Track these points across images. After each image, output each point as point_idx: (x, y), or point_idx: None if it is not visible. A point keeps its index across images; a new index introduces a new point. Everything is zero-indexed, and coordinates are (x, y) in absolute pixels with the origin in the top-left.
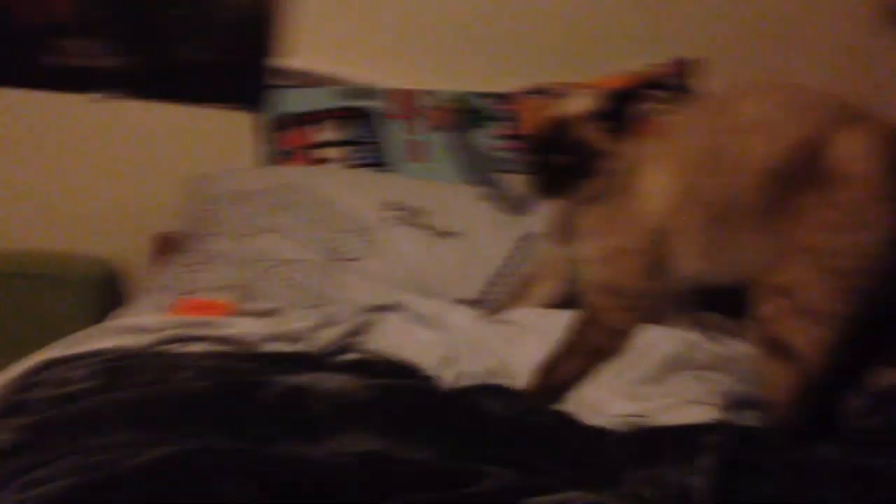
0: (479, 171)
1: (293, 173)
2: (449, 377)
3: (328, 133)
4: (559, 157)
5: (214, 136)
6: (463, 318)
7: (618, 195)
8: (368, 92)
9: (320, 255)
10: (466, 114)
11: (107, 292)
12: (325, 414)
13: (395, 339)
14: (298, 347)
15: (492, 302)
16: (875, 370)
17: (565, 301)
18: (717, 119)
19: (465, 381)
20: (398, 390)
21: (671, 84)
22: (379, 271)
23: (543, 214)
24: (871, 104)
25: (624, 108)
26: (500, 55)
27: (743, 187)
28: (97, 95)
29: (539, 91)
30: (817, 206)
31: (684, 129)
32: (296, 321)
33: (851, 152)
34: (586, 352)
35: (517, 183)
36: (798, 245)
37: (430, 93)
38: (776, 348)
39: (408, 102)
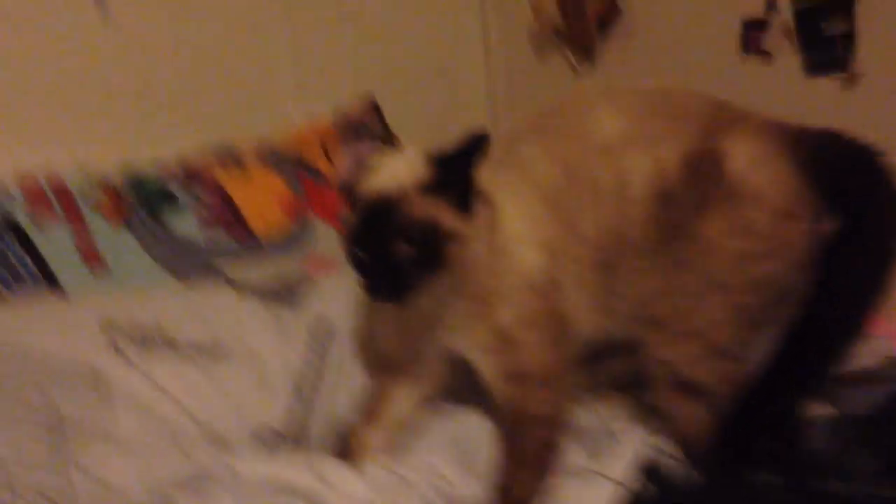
0: (192, 262)
1: None
2: None
3: None
4: (400, 249)
5: None
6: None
7: (482, 263)
8: None
9: (36, 433)
10: (148, 194)
11: None
12: None
13: None
14: None
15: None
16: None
17: (432, 399)
18: (573, 139)
19: None
20: None
21: (370, 123)
22: (133, 428)
23: (325, 295)
24: None
25: (464, 171)
26: (162, 112)
27: (628, 218)
28: None
29: (226, 152)
30: (727, 234)
31: (533, 156)
32: None
33: (748, 162)
34: (531, 456)
35: (244, 268)
36: (711, 280)
37: (81, 172)
38: (685, 387)
39: (60, 193)
